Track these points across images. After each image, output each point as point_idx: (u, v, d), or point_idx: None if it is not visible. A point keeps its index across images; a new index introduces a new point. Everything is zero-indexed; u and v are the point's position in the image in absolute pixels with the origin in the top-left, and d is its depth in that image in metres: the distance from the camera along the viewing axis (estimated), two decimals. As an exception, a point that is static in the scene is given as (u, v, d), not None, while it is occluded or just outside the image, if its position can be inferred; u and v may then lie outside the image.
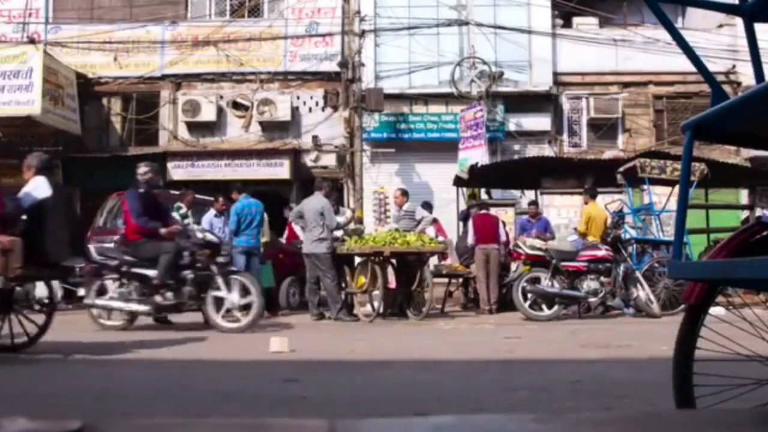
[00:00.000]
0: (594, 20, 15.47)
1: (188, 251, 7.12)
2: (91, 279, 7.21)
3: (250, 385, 3.83)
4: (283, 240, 11.43)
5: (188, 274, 7.04)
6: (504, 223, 10.75)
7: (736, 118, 1.70)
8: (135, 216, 7.21)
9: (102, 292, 7.18)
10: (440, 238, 10.33)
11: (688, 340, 1.84)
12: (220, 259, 7.31)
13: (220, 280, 7.05)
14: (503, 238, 10.10)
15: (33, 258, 5.09)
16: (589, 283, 8.64)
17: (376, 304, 8.80)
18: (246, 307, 7.04)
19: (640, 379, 3.85)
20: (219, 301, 7.05)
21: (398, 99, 14.94)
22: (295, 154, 15.07)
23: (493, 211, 10.62)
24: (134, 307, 7.09)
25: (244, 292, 7.07)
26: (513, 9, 15.05)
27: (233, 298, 7.03)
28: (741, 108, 1.65)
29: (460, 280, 10.82)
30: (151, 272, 6.98)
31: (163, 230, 7.22)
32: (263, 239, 9.76)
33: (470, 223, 10.32)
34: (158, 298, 7.00)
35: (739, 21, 1.86)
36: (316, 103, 15.32)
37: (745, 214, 13.70)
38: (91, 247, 7.47)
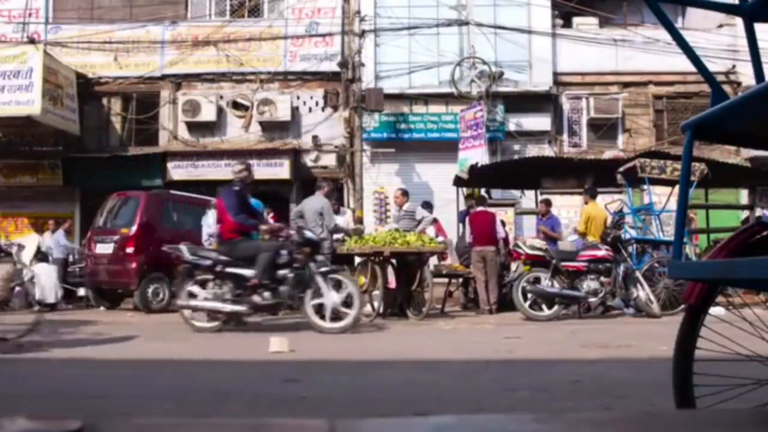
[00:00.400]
0: (594, 20, 15.49)
1: (286, 250, 6.95)
2: (183, 280, 7.03)
3: (250, 385, 3.83)
4: None
5: (286, 273, 6.85)
6: (503, 223, 10.74)
7: (736, 118, 1.70)
8: (233, 214, 7.03)
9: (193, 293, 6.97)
10: (440, 238, 10.32)
11: (688, 340, 1.84)
12: (320, 258, 7.13)
13: (320, 280, 6.82)
14: (501, 235, 10.09)
15: None
16: (589, 283, 8.63)
17: (376, 304, 8.80)
18: (346, 305, 6.85)
19: (640, 379, 3.85)
20: (319, 303, 6.84)
21: (398, 99, 14.95)
22: (295, 154, 15.08)
23: (493, 210, 10.60)
24: (230, 307, 6.88)
25: (341, 289, 6.87)
26: (513, 9, 15.06)
27: (334, 297, 6.81)
28: (741, 108, 1.65)
29: (460, 280, 10.81)
30: (248, 271, 6.79)
31: (263, 227, 7.12)
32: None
33: (467, 221, 10.31)
34: (256, 298, 6.81)
35: (739, 21, 1.86)
36: (316, 103, 15.33)
37: (745, 214, 13.71)
38: (183, 248, 7.15)
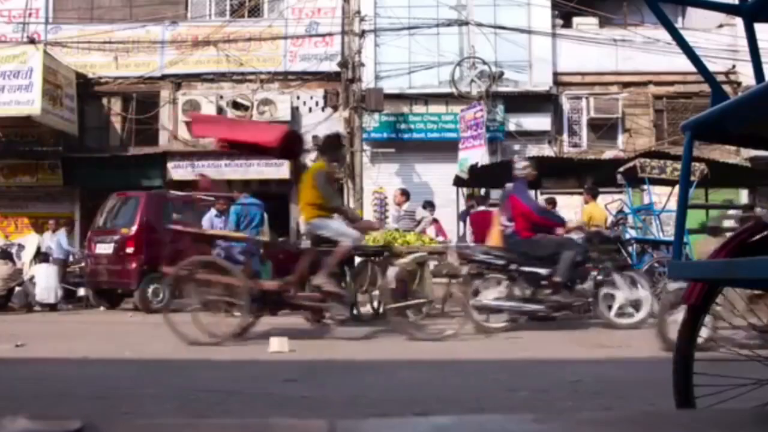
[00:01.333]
0: (594, 20, 15.49)
1: (584, 247, 6.97)
2: (471, 279, 6.98)
3: (250, 385, 3.82)
4: None
5: (585, 271, 6.91)
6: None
7: (736, 118, 1.70)
8: (537, 210, 7.09)
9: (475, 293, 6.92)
10: (440, 238, 10.32)
11: (688, 340, 1.84)
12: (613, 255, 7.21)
13: (617, 277, 6.90)
14: None
15: None
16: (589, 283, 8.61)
17: (376, 304, 8.78)
18: (636, 303, 6.92)
19: (640, 379, 3.84)
20: (610, 298, 6.93)
21: (398, 99, 14.95)
22: (295, 154, 15.06)
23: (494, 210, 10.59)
24: (531, 307, 6.83)
25: (635, 287, 6.93)
26: (513, 9, 15.06)
27: (626, 294, 6.88)
28: (741, 108, 1.65)
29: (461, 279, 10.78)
30: (543, 270, 6.77)
31: (570, 222, 7.20)
32: (263, 239, 9.74)
33: (468, 221, 10.30)
34: (558, 297, 6.81)
35: (739, 21, 1.86)
36: (316, 103, 15.33)
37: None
38: (474, 247, 7.14)
